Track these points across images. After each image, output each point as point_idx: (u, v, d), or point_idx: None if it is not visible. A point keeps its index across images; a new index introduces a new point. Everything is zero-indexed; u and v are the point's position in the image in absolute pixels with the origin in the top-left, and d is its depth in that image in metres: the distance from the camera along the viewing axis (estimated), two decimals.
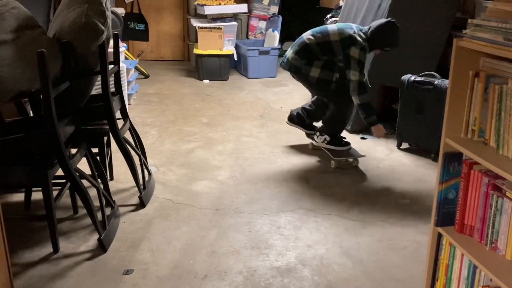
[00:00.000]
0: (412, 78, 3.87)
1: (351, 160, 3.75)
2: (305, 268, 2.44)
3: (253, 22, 7.13)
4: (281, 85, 6.19)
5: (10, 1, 2.45)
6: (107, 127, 2.95)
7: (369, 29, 3.55)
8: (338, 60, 3.57)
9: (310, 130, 3.99)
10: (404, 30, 4.18)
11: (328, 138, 3.76)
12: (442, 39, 4.25)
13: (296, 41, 3.68)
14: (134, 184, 3.08)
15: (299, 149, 4.03)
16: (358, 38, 3.47)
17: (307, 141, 4.04)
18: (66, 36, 2.48)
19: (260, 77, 6.48)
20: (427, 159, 3.87)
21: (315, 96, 3.93)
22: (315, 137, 3.86)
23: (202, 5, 6.48)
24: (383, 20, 3.53)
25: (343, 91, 3.57)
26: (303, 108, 3.97)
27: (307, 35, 3.61)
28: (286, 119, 4.05)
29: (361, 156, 3.74)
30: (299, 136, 4.29)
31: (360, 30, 3.55)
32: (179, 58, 7.57)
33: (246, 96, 5.67)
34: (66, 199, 2.94)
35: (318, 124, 3.98)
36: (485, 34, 1.61)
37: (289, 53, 3.65)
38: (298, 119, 3.96)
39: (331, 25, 3.63)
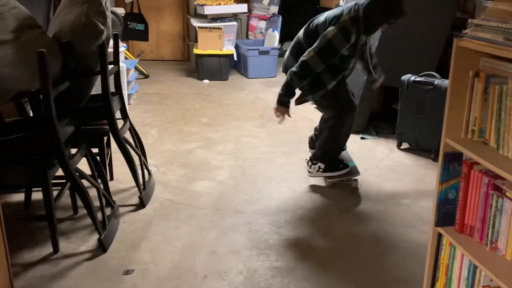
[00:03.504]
0: (412, 78, 3.88)
1: (346, 180, 3.33)
2: (305, 268, 2.44)
3: (253, 22, 7.13)
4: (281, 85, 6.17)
5: (10, 1, 2.45)
6: (107, 127, 2.95)
7: (362, 4, 2.88)
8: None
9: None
10: (404, 30, 4.19)
11: (322, 165, 3.26)
12: (442, 39, 4.26)
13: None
14: (134, 184, 3.08)
15: (299, 149, 4.02)
16: (344, 17, 2.86)
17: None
18: (66, 36, 2.48)
19: (260, 77, 6.48)
20: (427, 159, 3.87)
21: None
22: (307, 167, 3.35)
23: (202, 5, 6.48)
24: None
25: (342, 92, 3.14)
26: (315, 130, 3.59)
27: (302, 29, 3.19)
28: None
29: (356, 174, 3.30)
30: (300, 136, 4.29)
31: (354, 8, 2.89)
32: (179, 58, 7.57)
33: (246, 96, 5.67)
34: (66, 199, 2.94)
35: None
36: (485, 34, 1.61)
37: (286, 54, 3.27)
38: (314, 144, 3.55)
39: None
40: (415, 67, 4.08)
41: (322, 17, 3.07)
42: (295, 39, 3.22)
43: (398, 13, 2.85)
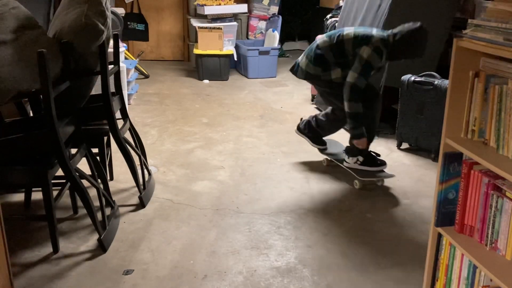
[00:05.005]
0: (412, 78, 3.88)
1: (376, 180, 3.40)
2: (305, 268, 2.44)
3: (253, 22, 7.13)
4: (281, 85, 6.19)
5: (10, 1, 2.45)
6: (107, 127, 2.95)
7: (396, 33, 3.13)
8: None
9: (317, 144, 3.66)
10: None
11: (361, 158, 3.38)
12: (442, 39, 4.25)
13: (309, 46, 3.41)
14: (134, 184, 3.08)
15: (299, 149, 4.03)
16: (376, 38, 3.12)
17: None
18: (66, 36, 2.48)
19: (260, 77, 6.48)
20: (427, 159, 3.87)
21: (330, 108, 3.52)
22: (345, 158, 3.44)
23: (202, 5, 6.48)
24: (415, 25, 3.09)
25: (367, 91, 3.26)
26: (315, 117, 3.62)
27: (321, 38, 3.33)
28: (295, 128, 3.76)
29: (391, 176, 3.40)
30: (300, 136, 4.29)
31: (383, 32, 3.20)
32: (179, 58, 7.57)
33: (246, 96, 5.67)
34: (66, 199, 2.94)
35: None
36: (485, 34, 1.61)
37: (302, 60, 3.37)
38: (308, 129, 3.64)
39: (349, 27, 3.34)
40: (415, 67, 4.08)
41: (348, 32, 3.23)
42: (313, 48, 3.34)
43: (419, 54, 3.15)
